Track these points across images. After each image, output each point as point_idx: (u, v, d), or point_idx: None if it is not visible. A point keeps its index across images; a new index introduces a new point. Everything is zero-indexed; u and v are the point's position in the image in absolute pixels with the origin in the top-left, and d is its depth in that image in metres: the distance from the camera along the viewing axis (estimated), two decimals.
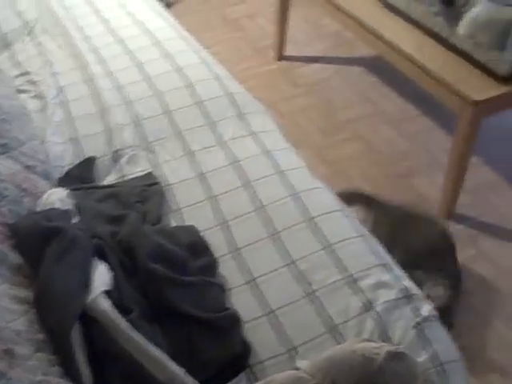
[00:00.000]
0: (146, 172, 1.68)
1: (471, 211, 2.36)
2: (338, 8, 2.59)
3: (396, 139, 2.71)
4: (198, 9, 3.58)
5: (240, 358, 1.24)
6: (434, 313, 1.38)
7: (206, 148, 1.75)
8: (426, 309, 1.36)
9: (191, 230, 1.48)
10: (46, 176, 1.62)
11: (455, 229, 2.24)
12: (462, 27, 2.19)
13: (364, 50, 3.20)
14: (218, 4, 3.62)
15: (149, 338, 1.17)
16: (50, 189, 1.54)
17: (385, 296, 1.36)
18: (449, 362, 1.28)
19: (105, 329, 1.14)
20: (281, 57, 3.20)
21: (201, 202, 1.59)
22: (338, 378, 1.06)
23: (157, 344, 1.17)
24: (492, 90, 2.13)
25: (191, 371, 1.18)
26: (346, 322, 1.31)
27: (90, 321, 1.16)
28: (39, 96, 1.93)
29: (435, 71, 2.20)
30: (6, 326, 1.08)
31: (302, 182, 1.65)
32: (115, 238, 1.37)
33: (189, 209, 1.57)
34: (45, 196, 1.48)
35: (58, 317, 1.14)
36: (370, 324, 1.30)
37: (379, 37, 2.41)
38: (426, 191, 2.45)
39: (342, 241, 1.48)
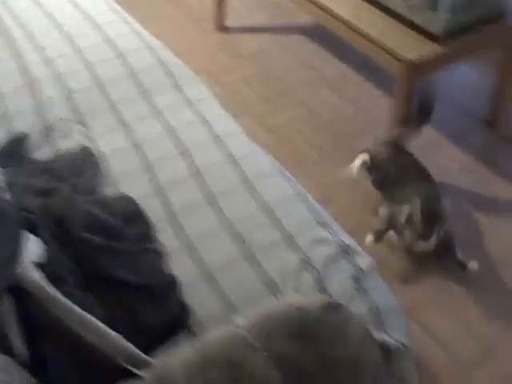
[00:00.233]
0: (80, 147, 1.64)
1: None
2: None
3: (338, 103, 2.72)
4: None
5: (179, 320, 1.23)
6: (373, 265, 1.39)
7: (140, 118, 1.72)
8: (364, 261, 1.38)
9: (126, 199, 1.46)
10: None
11: None
12: None
13: (304, 19, 3.19)
14: None
15: (84, 307, 1.15)
16: None
17: (323, 252, 1.37)
18: (388, 311, 1.29)
19: (37, 299, 1.12)
20: (221, 28, 3.17)
21: (136, 170, 1.57)
22: (273, 331, 1.06)
23: (92, 312, 1.15)
24: (427, 50, 2.17)
25: (131, 338, 1.17)
26: (284, 279, 1.31)
27: (22, 293, 1.13)
28: None
29: (373, 35, 2.24)
30: None
31: (239, 147, 1.64)
32: (47, 210, 1.34)
33: (125, 178, 1.55)
34: None
35: None
36: (308, 280, 1.31)
37: (318, 5, 2.45)
38: None
39: (280, 201, 1.48)
